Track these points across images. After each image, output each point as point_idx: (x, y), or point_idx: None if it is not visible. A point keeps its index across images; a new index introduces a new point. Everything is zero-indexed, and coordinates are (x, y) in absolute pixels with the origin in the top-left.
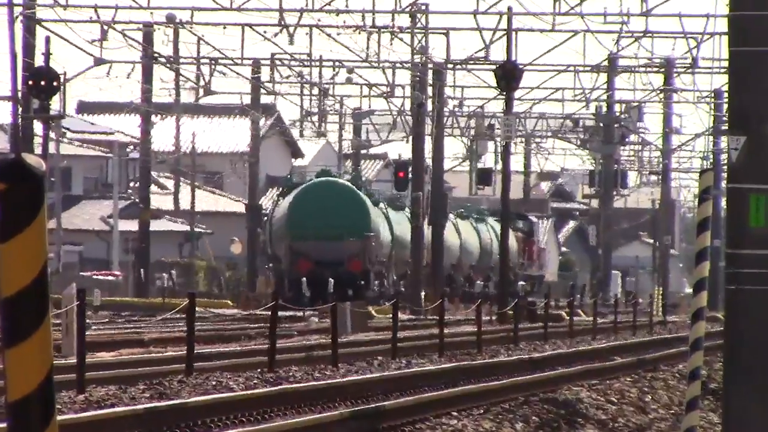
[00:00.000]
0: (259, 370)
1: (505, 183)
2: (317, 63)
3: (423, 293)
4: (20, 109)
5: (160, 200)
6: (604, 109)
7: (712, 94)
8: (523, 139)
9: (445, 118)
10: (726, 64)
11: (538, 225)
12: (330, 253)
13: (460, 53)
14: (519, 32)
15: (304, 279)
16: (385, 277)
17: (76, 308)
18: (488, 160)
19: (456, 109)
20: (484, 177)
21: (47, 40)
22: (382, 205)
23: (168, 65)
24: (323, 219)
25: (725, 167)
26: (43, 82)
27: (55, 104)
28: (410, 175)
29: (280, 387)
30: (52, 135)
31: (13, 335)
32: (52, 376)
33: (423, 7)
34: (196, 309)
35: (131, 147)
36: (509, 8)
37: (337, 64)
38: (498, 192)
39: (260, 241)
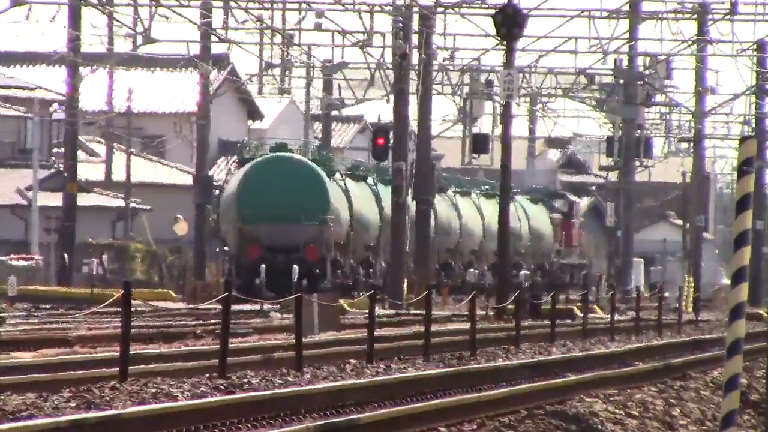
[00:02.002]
0: (208, 375)
1: (505, 151)
2: (279, 5)
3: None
4: None
5: (89, 170)
6: (625, 63)
7: (755, 47)
8: (527, 99)
9: (434, 73)
10: None
11: (578, 205)
12: (283, 238)
13: None
14: None
15: (263, 267)
16: (341, 265)
17: None
18: (485, 124)
19: (446, 62)
20: (479, 143)
21: None
22: (337, 176)
23: (100, 7)
24: (276, 200)
25: None
26: None
27: None
28: (391, 142)
29: (233, 396)
30: None
31: None
32: None
33: None
34: (132, 301)
35: (55, 105)
36: None
37: (303, 6)
38: (496, 161)
39: (210, 220)
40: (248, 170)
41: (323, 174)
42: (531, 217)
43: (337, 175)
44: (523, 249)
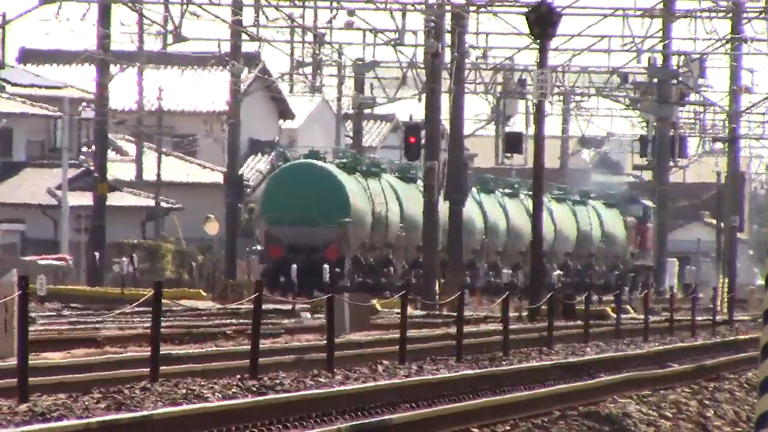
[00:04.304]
0: (239, 376)
1: (538, 150)
2: (311, 3)
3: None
4: None
5: (119, 169)
6: (659, 61)
7: None
8: (561, 98)
9: (466, 72)
10: None
11: (653, 210)
12: (304, 239)
13: None
14: None
15: (294, 266)
16: (392, 265)
17: (17, 299)
18: (518, 123)
19: (479, 60)
20: (512, 143)
21: None
22: (386, 176)
23: (130, 5)
24: (298, 204)
25: None
26: None
27: None
28: (423, 141)
29: (264, 397)
30: None
31: None
32: None
33: None
34: (163, 301)
35: (85, 104)
36: None
37: (335, 5)
38: (529, 161)
39: (241, 218)
40: (274, 176)
41: (344, 179)
42: (604, 220)
43: (387, 177)
44: (594, 249)
